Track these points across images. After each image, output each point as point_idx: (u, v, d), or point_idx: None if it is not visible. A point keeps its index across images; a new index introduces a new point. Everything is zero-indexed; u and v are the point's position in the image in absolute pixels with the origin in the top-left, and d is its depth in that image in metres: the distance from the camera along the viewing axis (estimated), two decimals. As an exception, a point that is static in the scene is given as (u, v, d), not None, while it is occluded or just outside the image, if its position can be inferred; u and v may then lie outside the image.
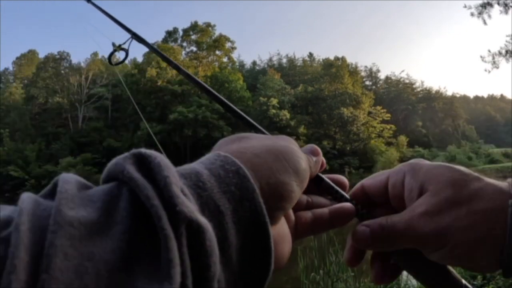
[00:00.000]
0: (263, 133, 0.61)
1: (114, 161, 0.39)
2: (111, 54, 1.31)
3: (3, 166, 47.56)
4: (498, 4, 15.60)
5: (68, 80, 57.56)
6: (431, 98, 73.56)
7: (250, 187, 0.39)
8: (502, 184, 0.50)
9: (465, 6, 16.44)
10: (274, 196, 0.43)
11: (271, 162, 0.45)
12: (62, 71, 59.03)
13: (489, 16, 15.82)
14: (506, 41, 16.11)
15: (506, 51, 16.12)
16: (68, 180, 0.35)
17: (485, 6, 15.81)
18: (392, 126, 56.06)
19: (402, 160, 52.32)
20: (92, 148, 51.08)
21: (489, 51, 16.40)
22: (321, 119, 51.18)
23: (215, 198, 0.37)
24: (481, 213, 0.48)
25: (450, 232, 0.48)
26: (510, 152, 56.66)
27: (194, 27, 54.35)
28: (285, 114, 45.31)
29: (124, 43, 1.24)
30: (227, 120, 45.97)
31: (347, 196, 0.56)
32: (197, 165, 0.41)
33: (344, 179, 0.59)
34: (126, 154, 0.39)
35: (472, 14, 16.03)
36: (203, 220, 0.33)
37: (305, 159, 0.50)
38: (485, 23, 15.92)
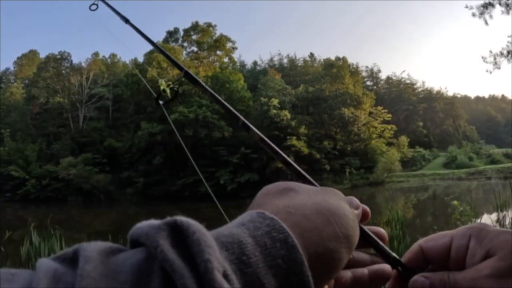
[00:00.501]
0: (312, 183, 0.56)
1: (145, 228, 0.34)
2: (159, 95, 1.15)
3: (4, 166, 47.66)
4: (500, 4, 15.56)
5: (69, 80, 57.63)
6: (432, 98, 73.56)
7: (298, 259, 0.36)
8: None
9: (466, 7, 16.38)
10: (322, 266, 0.40)
11: (321, 226, 0.42)
12: (63, 71, 59.11)
13: (491, 17, 15.77)
14: (508, 42, 16.07)
15: (508, 52, 16.09)
16: (89, 256, 0.31)
17: (487, 6, 15.76)
18: (393, 126, 55.99)
19: (403, 160, 52.44)
20: (93, 148, 51.15)
21: (491, 51, 16.36)
22: (322, 119, 51.10)
23: (260, 274, 0.33)
24: None
25: None
26: (511, 153, 56.58)
27: (195, 27, 54.28)
28: (286, 114, 45.19)
29: (176, 81, 1.13)
30: (227, 120, 45.83)
31: (394, 255, 0.55)
32: (240, 230, 0.37)
33: (383, 232, 0.57)
34: (159, 222, 0.34)
35: (473, 15, 15.99)
36: None
37: (355, 219, 0.47)
38: (486, 23, 15.87)
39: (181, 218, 0.34)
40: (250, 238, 0.36)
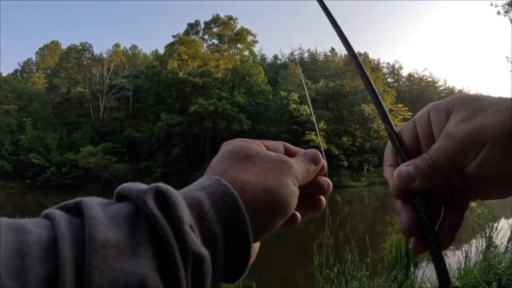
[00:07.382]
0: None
1: (135, 192, 0.44)
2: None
3: (25, 153, 48.41)
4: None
5: (90, 71, 58.23)
6: (454, 97, 72.60)
7: (241, 218, 0.47)
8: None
9: (491, 4, 16.16)
10: (259, 227, 0.50)
11: (266, 204, 0.52)
12: (85, 62, 59.76)
13: (516, 15, 15.53)
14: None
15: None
16: (92, 205, 0.42)
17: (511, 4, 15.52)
18: (414, 124, 55.49)
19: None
20: (113, 138, 51.67)
21: (515, 51, 16.11)
22: (342, 115, 50.86)
23: (212, 227, 0.46)
24: (506, 110, 0.49)
25: (485, 128, 0.49)
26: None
27: (216, 20, 54.32)
28: (306, 109, 45.00)
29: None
30: (247, 113, 45.89)
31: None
32: (201, 193, 0.48)
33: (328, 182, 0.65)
34: (146, 187, 0.45)
35: (498, 13, 15.77)
36: (204, 252, 0.43)
37: (295, 194, 0.56)
38: (512, 22, 15.63)
39: (162, 185, 0.46)
40: (207, 200, 0.47)
